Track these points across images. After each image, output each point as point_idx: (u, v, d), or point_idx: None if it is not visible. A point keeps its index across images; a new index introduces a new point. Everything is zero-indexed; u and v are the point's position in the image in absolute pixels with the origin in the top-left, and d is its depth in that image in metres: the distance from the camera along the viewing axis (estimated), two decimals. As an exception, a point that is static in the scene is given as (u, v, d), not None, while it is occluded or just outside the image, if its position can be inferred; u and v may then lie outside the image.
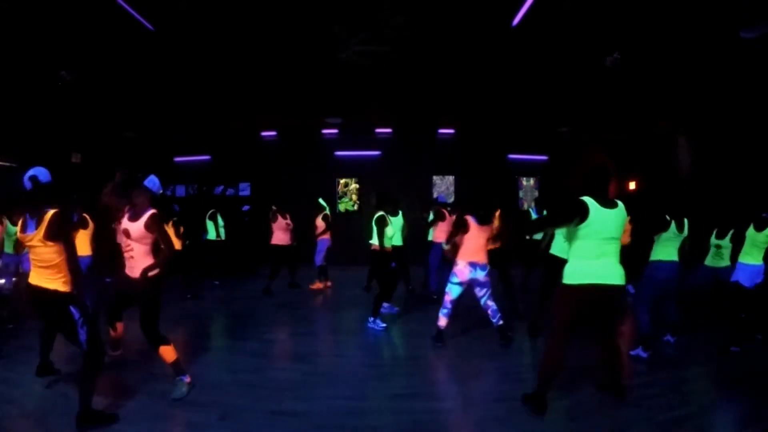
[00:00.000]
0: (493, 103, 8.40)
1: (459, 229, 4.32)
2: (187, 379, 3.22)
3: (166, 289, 3.34)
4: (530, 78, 7.12)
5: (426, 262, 6.75)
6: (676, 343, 4.40)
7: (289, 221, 7.18)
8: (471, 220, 4.31)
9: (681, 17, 5.05)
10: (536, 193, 10.75)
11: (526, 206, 10.64)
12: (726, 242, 4.75)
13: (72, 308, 2.68)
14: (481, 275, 4.29)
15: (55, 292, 2.65)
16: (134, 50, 6.09)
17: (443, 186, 10.65)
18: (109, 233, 5.62)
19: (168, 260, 3.11)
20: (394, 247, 5.42)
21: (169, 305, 5.36)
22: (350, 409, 3.04)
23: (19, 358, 3.81)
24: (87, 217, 4.87)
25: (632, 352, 4.02)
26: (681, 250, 4.13)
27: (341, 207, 10.60)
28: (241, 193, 10.77)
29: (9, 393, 3.18)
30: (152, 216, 3.09)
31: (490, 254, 4.43)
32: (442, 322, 4.40)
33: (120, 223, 3.23)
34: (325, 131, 10.36)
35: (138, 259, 3.11)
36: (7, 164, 7.86)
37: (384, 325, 5.01)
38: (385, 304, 5.65)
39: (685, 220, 4.13)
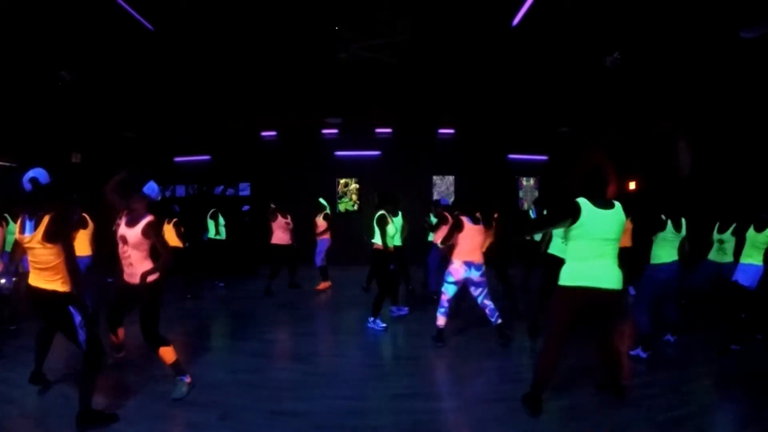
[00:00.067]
0: (493, 103, 8.40)
1: (454, 229, 4.33)
2: (187, 379, 3.23)
3: (166, 289, 3.34)
4: (530, 78, 7.12)
5: (425, 263, 6.75)
6: (676, 342, 4.40)
7: (289, 221, 7.18)
8: (466, 219, 4.32)
9: (681, 17, 5.05)
10: (536, 194, 10.73)
11: (526, 206, 10.64)
12: (728, 236, 4.77)
13: (71, 308, 2.67)
14: (475, 275, 4.30)
15: (54, 293, 2.65)
16: (134, 50, 6.09)
17: (443, 186, 10.64)
18: (109, 233, 5.61)
19: (167, 266, 3.11)
20: (394, 247, 5.42)
21: (169, 305, 5.36)
22: (350, 409, 3.04)
23: (19, 358, 3.80)
24: (87, 217, 4.87)
25: (632, 352, 4.02)
26: (681, 250, 4.13)
27: (341, 207, 10.59)
28: (241, 193, 10.75)
29: (9, 393, 3.18)
30: (149, 223, 3.10)
31: (488, 254, 4.43)
32: (441, 321, 4.41)
33: (117, 226, 3.23)
34: (325, 131, 10.36)
35: (136, 266, 3.13)
36: (7, 164, 7.87)
37: (384, 325, 5.01)
38: (394, 308, 5.65)
39: (683, 220, 4.13)
